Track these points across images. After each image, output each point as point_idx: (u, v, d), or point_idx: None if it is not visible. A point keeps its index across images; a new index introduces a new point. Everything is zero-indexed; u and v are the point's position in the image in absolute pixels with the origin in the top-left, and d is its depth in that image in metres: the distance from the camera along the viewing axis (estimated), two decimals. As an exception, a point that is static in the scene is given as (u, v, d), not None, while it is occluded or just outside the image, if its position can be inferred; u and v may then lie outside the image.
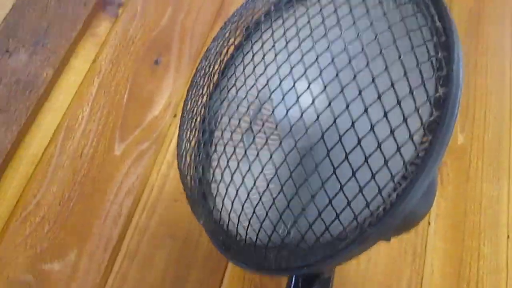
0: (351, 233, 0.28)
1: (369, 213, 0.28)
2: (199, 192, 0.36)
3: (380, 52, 0.27)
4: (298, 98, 0.29)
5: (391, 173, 0.27)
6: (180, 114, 0.40)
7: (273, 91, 0.31)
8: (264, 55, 0.32)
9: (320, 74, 0.29)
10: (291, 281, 0.36)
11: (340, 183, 0.28)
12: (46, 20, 0.60)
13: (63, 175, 0.53)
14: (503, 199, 0.63)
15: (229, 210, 0.33)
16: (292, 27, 0.33)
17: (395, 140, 0.27)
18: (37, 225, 0.50)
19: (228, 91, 0.35)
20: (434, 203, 0.60)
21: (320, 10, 0.31)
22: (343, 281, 0.53)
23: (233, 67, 0.37)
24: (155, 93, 0.60)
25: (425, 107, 0.28)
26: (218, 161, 0.34)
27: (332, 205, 0.28)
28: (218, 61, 0.37)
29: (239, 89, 0.33)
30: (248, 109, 0.33)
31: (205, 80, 0.38)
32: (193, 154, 0.37)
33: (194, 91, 0.38)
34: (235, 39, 0.37)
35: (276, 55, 0.32)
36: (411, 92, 0.27)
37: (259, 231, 0.31)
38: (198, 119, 0.37)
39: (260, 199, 0.30)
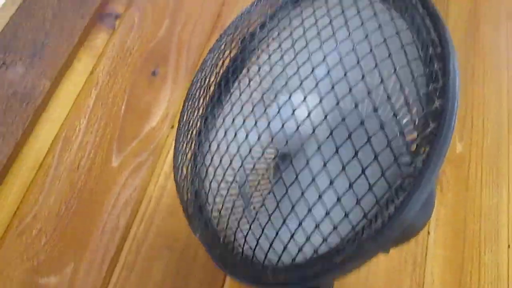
0: (349, 247, 0.28)
1: (367, 223, 0.28)
2: (195, 205, 0.36)
3: (376, 66, 0.27)
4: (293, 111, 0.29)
5: (389, 185, 0.27)
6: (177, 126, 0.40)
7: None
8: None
9: (316, 86, 0.29)
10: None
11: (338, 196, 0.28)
12: (43, 32, 0.60)
13: (60, 186, 0.53)
14: (503, 206, 0.63)
15: (225, 225, 0.33)
16: (287, 38, 0.33)
17: (393, 152, 0.27)
18: (34, 238, 0.50)
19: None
20: (434, 211, 0.60)
21: (316, 22, 0.31)
22: (343, 291, 0.53)
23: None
24: (152, 104, 0.60)
25: (421, 119, 0.28)
26: (214, 174, 0.34)
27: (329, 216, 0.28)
28: (214, 73, 0.38)
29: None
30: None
31: (201, 92, 0.38)
32: (189, 167, 0.37)
33: (190, 103, 0.38)
34: (230, 51, 0.37)
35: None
36: (407, 104, 0.27)
37: (255, 248, 0.31)
38: (194, 131, 0.37)
39: (256, 215, 0.30)
